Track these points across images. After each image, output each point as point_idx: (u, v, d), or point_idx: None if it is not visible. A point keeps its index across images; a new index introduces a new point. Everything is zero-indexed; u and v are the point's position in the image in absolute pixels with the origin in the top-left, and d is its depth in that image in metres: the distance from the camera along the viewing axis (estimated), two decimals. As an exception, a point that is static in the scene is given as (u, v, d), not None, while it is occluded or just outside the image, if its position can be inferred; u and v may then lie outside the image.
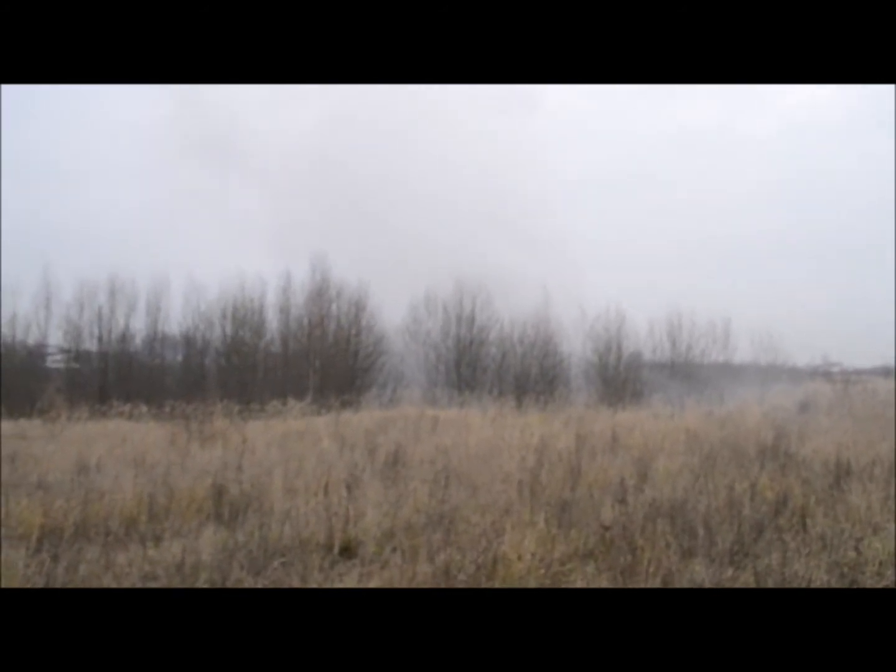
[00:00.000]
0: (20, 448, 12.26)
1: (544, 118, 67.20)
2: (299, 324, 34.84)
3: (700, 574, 5.76)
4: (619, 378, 34.73)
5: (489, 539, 6.20)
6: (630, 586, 5.59)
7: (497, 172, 57.29)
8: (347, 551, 6.56)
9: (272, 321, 34.80)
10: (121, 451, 12.37)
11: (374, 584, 5.58)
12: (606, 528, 6.65)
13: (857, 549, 6.02)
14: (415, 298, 35.69)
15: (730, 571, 5.82)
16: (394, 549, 6.29)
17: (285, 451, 12.08)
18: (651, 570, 5.76)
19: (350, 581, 5.70)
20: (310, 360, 33.67)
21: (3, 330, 31.71)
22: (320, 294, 34.61)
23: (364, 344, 34.48)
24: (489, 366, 35.26)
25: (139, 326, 33.68)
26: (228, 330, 34.12)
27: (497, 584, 5.62)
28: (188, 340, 34.60)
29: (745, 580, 5.62)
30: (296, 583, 5.63)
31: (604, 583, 5.74)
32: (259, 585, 5.57)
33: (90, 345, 33.05)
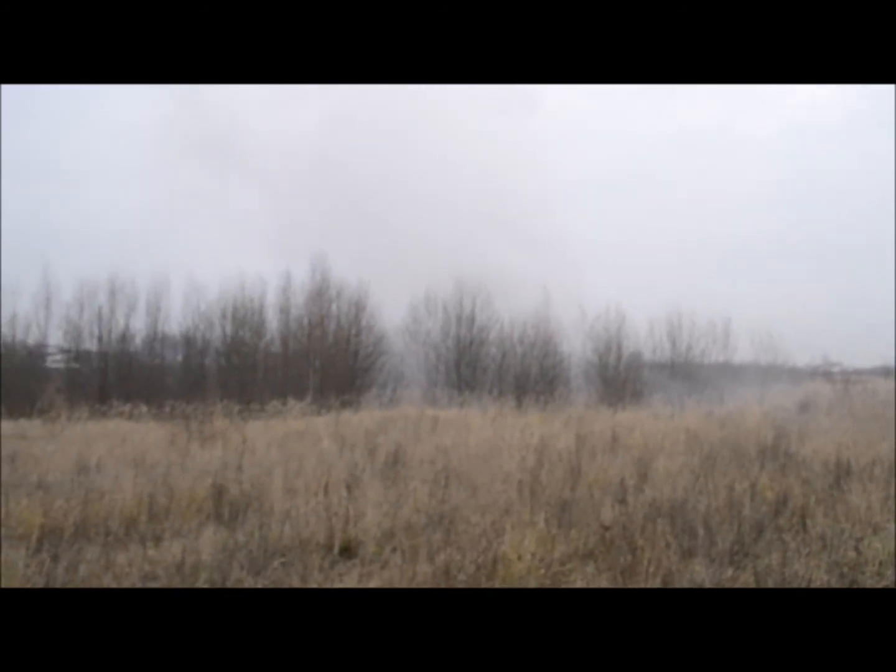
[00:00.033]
0: (20, 448, 12.26)
1: (544, 118, 67.23)
2: (299, 324, 34.86)
3: (700, 574, 5.76)
4: (619, 378, 34.73)
5: (489, 539, 6.20)
6: (630, 586, 5.59)
7: (497, 172, 57.31)
8: (347, 551, 6.56)
9: (272, 321, 34.86)
10: (121, 451, 12.37)
11: (374, 584, 5.58)
12: (606, 528, 6.65)
13: (857, 549, 6.02)
14: (415, 298, 35.75)
15: (730, 571, 5.81)
16: (394, 549, 6.28)
17: (285, 451, 12.08)
18: (651, 570, 5.76)
19: (350, 581, 5.70)
20: (310, 360, 33.67)
21: (3, 330, 31.76)
22: (320, 294, 34.63)
23: (364, 344, 34.49)
24: (489, 366, 35.27)
25: (139, 326, 33.75)
26: (228, 330, 34.14)
27: (497, 584, 5.62)
28: (188, 340, 34.61)
29: (745, 580, 5.62)
30: (296, 583, 5.63)
31: (604, 583, 5.74)
32: (259, 585, 5.57)
33: (90, 345, 33.09)
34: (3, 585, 5.31)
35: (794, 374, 41.44)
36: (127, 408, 19.12)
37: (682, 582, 5.65)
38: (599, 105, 70.56)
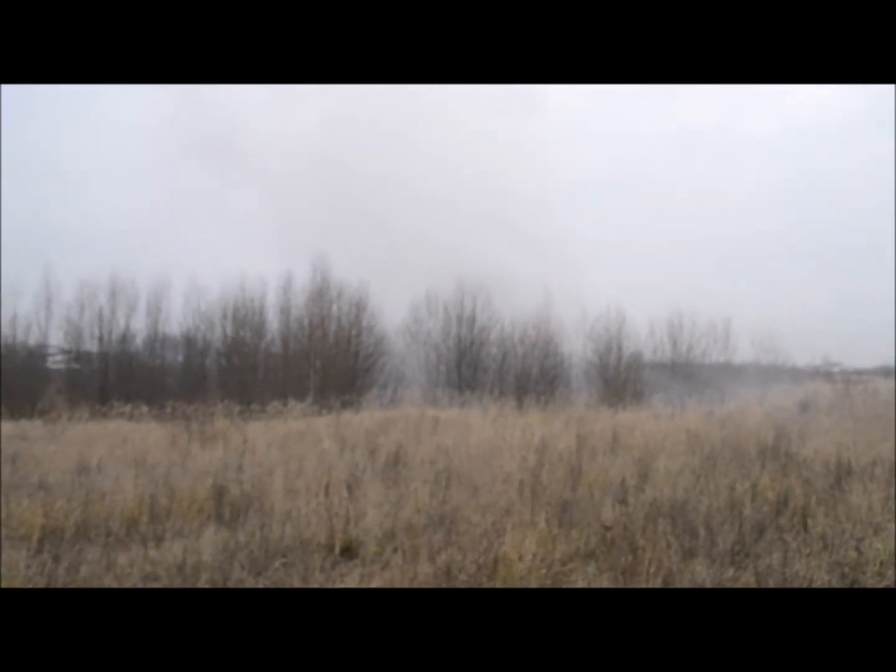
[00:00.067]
0: (21, 449, 12.26)
1: (544, 118, 67.44)
2: (300, 324, 34.89)
3: (701, 574, 5.76)
4: (620, 378, 34.76)
5: (490, 539, 6.20)
6: (631, 586, 5.58)
7: (497, 172, 57.38)
8: (348, 552, 6.56)
9: (273, 322, 34.92)
10: (121, 451, 12.38)
11: (375, 584, 5.58)
12: (607, 529, 6.65)
13: (857, 549, 6.02)
14: (415, 299, 35.80)
15: (731, 571, 5.81)
16: (395, 550, 6.29)
17: (286, 451, 12.08)
18: (652, 570, 5.76)
19: (351, 581, 5.70)
20: (310, 360, 33.68)
21: (3, 330, 31.79)
22: (321, 294, 34.66)
23: (365, 344, 34.52)
24: (490, 366, 35.30)
25: (140, 327, 33.82)
26: (229, 330, 34.18)
27: (498, 585, 5.62)
28: (189, 341, 34.65)
29: (746, 580, 5.62)
30: (297, 583, 5.63)
31: (605, 583, 5.73)
32: (260, 586, 5.57)
33: (91, 345, 33.14)
34: (5, 586, 5.31)
35: (795, 374, 41.48)
36: (128, 408, 19.12)
37: (683, 582, 5.65)
38: (599, 105, 70.79)
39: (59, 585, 5.42)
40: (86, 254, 53.07)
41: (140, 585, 5.65)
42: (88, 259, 46.56)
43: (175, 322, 34.40)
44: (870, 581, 5.56)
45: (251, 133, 62.26)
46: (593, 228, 63.36)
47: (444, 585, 5.49)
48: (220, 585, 5.57)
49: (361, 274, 35.20)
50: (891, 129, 60.25)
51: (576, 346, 35.98)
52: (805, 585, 5.37)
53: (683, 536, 6.57)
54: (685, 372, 35.62)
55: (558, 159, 68.62)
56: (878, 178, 61.37)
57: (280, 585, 5.60)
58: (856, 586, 5.45)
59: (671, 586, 5.55)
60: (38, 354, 33.70)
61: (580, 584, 5.67)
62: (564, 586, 5.68)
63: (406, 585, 5.49)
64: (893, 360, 38.10)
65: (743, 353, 38.71)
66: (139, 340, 34.15)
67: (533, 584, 5.63)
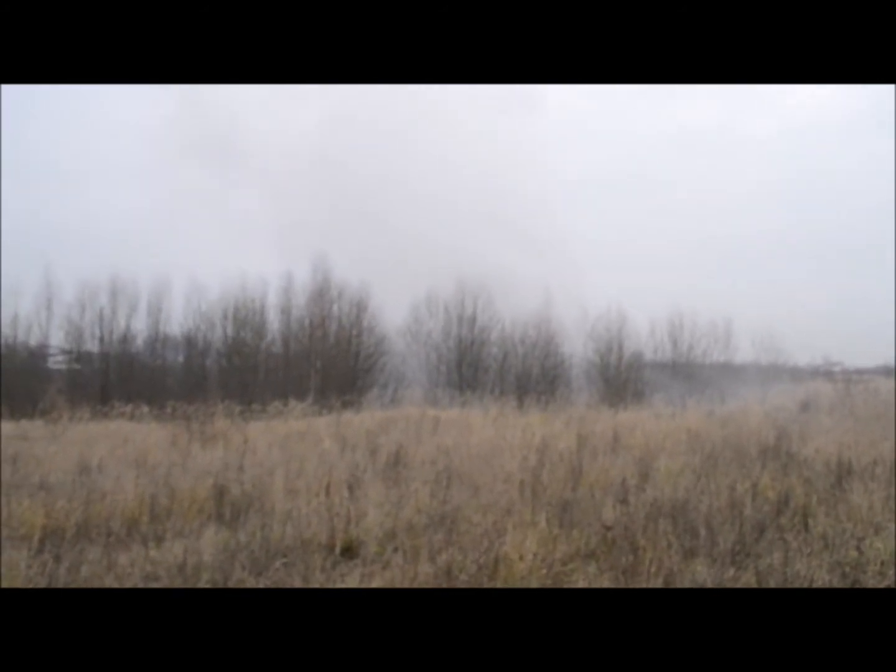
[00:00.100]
0: (22, 449, 12.27)
1: (544, 118, 67.44)
2: (300, 324, 34.92)
3: (702, 574, 5.76)
4: (621, 378, 34.77)
5: (491, 539, 6.20)
6: (632, 586, 5.58)
7: (497, 172, 57.41)
8: (349, 552, 6.56)
9: (273, 322, 34.96)
10: (122, 451, 12.38)
11: (375, 584, 5.58)
12: (608, 528, 6.65)
13: (858, 548, 6.02)
14: (416, 299, 35.83)
15: (731, 571, 5.81)
16: (395, 550, 6.29)
17: (287, 451, 12.08)
18: (653, 570, 5.75)
19: (352, 581, 5.70)
20: (311, 360, 33.69)
21: (4, 330, 31.81)
22: (321, 295, 34.68)
23: (365, 344, 34.54)
24: (490, 366, 35.32)
25: (140, 327, 33.86)
26: (230, 331, 34.21)
27: (499, 585, 5.61)
28: (189, 341, 34.67)
29: (747, 580, 5.61)
30: (298, 583, 5.63)
31: (605, 583, 5.73)
32: (261, 586, 5.57)
33: (91, 345, 33.18)
34: (6, 586, 5.32)
35: (796, 374, 41.51)
36: (128, 408, 19.12)
37: (683, 582, 5.65)
38: (599, 105, 70.83)
39: (60, 585, 5.42)
40: (86, 254, 53.21)
41: (141, 585, 5.65)
42: (89, 259, 46.70)
43: (176, 322, 34.50)
44: (871, 581, 5.56)
45: (251, 133, 62.40)
46: (593, 228, 63.49)
47: (444, 585, 5.49)
48: (220, 585, 5.57)
49: (362, 274, 35.32)
50: (891, 129, 60.31)
51: (576, 346, 36.06)
52: (806, 585, 5.37)
53: (684, 536, 6.57)
54: (686, 372, 35.64)
55: (558, 159, 68.77)
56: (878, 178, 61.47)
57: (281, 585, 5.60)
58: (857, 586, 5.45)
59: (672, 586, 5.55)
60: (38, 354, 33.73)
61: (581, 584, 5.67)
62: (565, 586, 5.67)
63: (407, 585, 5.49)
64: (894, 359, 38.13)
65: (743, 352, 38.79)
66: (140, 340, 34.25)
67: (534, 584, 5.63)
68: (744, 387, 31.36)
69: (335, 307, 34.78)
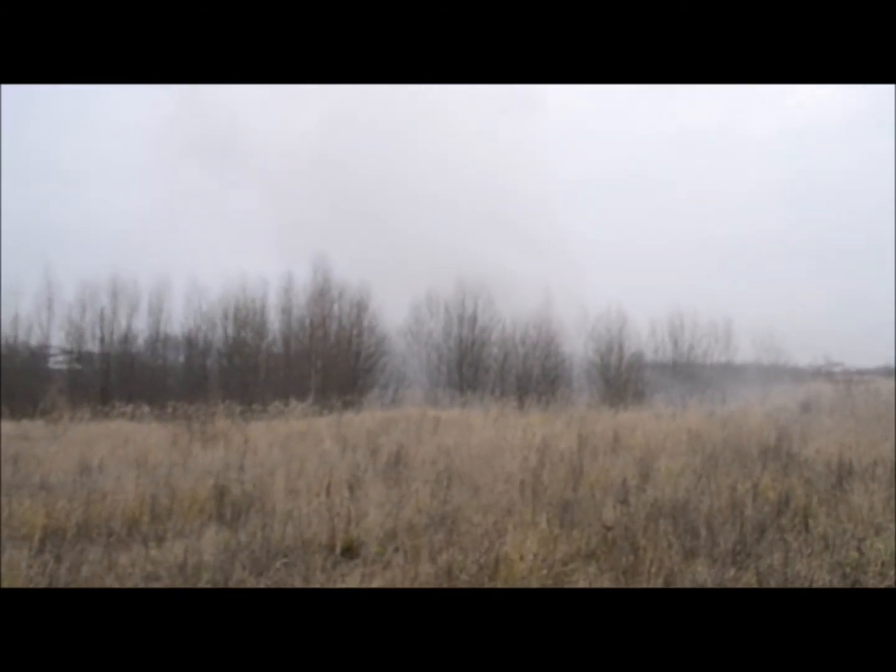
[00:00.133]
0: (23, 449, 12.29)
1: (544, 118, 67.48)
2: (301, 324, 34.94)
3: (702, 574, 5.76)
4: (621, 378, 34.77)
5: (491, 539, 6.20)
6: (632, 587, 5.58)
7: (497, 172, 57.51)
8: (350, 552, 6.56)
9: (274, 322, 34.97)
10: (123, 451, 12.38)
11: (376, 584, 5.58)
12: (608, 529, 6.65)
13: (859, 549, 6.02)
14: (416, 299, 35.83)
15: (732, 572, 5.81)
16: (396, 550, 6.29)
17: (287, 451, 12.08)
18: (653, 570, 5.75)
19: (352, 581, 5.70)
20: (312, 360, 33.70)
21: (5, 330, 31.82)
22: (322, 295, 34.69)
23: (366, 344, 34.56)
24: (491, 366, 35.33)
25: (141, 327, 33.87)
26: (230, 331, 34.23)
27: (499, 585, 5.61)
28: (190, 341, 34.69)
29: (748, 580, 5.61)
30: (298, 583, 5.64)
31: (606, 583, 5.73)
32: (261, 586, 5.57)
33: (92, 346, 33.20)
34: (6, 586, 5.32)
35: (796, 374, 41.49)
36: (129, 408, 19.12)
37: (684, 582, 5.64)
38: (599, 105, 70.88)
39: (61, 585, 5.43)
40: (86, 254, 53.28)
41: (141, 585, 5.65)
42: (89, 259, 46.75)
43: (176, 322, 34.52)
44: (871, 581, 5.56)
45: (251, 133, 62.48)
46: (593, 228, 63.55)
47: (445, 585, 5.49)
48: (221, 585, 5.57)
49: (362, 274, 35.34)
50: (891, 129, 60.33)
51: (577, 347, 36.07)
52: (806, 585, 5.36)
53: (685, 536, 6.57)
54: (686, 372, 35.63)
55: (558, 159, 68.83)
56: (878, 178, 61.51)
57: (281, 585, 5.60)
58: (857, 586, 5.45)
59: (672, 586, 5.55)
60: (39, 355, 33.75)
61: (581, 585, 5.67)
62: (566, 586, 5.67)
63: (407, 585, 5.49)
64: (894, 360, 38.10)
65: (744, 353, 38.76)
66: (140, 341, 34.28)
67: (534, 585, 5.62)
68: (744, 387, 31.34)
69: (336, 307, 34.83)
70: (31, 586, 5.38)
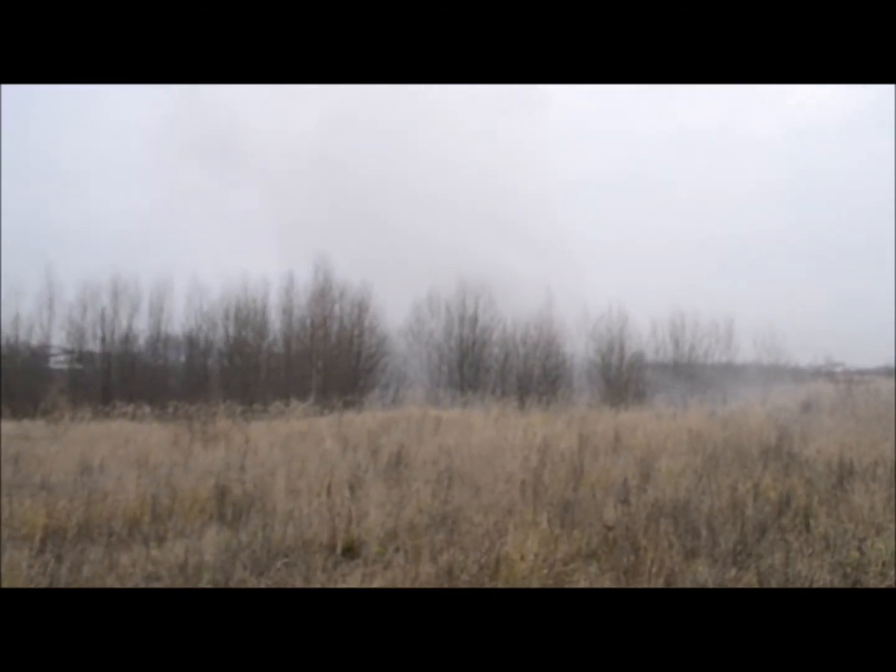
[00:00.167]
0: (23, 449, 12.29)
1: (544, 118, 67.50)
2: (302, 324, 34.91)
3: (703, 574, 5.75)
4: (622, 378, 34.73)
5: (492, 539, 6.20)
6: (633, 586, 5.58)
7: (497, 172, 57.53)
8: (350, 552, 6.56)
9: (275, 322, 34.91)
10: (124, 451, 12.39)
11: (377, 584, 5.59)
12: (609, 529, 6.65)
13: (860, 549, 6.02)
14: (417, 299, 35.80)
15: (733, 572, 5.80)
16: (397, 550, 6.29)
17: (288, 451, 12.08)
18: (654, 570, 5.75)
19: (353, 581, 5.70)
20: (313, 360, 33.69)
21: (6, 330, 31.83)
22: (323, 295, 34.67)
23: (367, 344, 34.52)
24: (492, 366, 35.29)
25: (142, 327, 33.83)
26: (231, 331, 34.19)
27: (500, 585, 5.61)
28: (191, 341, 34.66)
29: (749, 580, 5.61)
30: (299, 583, 5.64)
31: (607, 583, 5.73)
32: (262, 586, 5.58)
33: (93, 345, 33.17)
34: (7, 586, 5.32)
35: (797, 374, 41.44)
36: (130, 408, 19.13)
37: (685, 582, 5.64)
38: (599, 105, 70.86)
39: (62, 585, 5.43)
40: (86, 254, 53.28)
41: (142, 585, 5.66)
42: (89, 259, 46.75)
43: (177, 322, 34.49)
44: (872, 581, 5.56)
45: (251, 133, 62.44)
46: (593, 228, 63.53)
47: (445, 585, 5.49)
48: (222, 585, 5.57)
49: (363, 274, 35.30)
50: (891, 129, 60.32)
51: (578, 347, 36.00)
52: (807, 585, 5.36)
53: (685, 536, 6.56)
54: (687, 372, 35.57)
55: (558, 159, 68.84)
56: (878, 178, 61.48)
57: (282, 585, 5.60)
58: (858, 586, 5.44)
59: (673, 586, 5.55)
60: (40, 354, 33.74)
61: (582, 585, 5.67)
62: (566, 586, 5.67)
63: (408, 585, 5.49)
64: (894, 360, 38.08)
65: (745, 353, 38.69)
66: (141, 340, 34.23)
67: (535, 585, 5.62)
68: (745, 387, 31.32)
69: (336, 307, 34.78)
70: (32, 586, 5.38)
